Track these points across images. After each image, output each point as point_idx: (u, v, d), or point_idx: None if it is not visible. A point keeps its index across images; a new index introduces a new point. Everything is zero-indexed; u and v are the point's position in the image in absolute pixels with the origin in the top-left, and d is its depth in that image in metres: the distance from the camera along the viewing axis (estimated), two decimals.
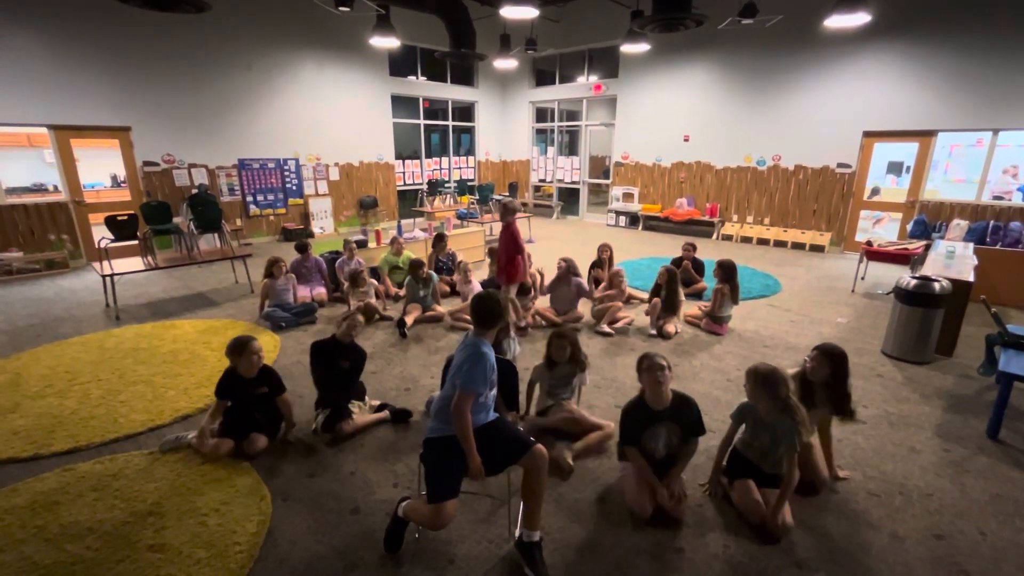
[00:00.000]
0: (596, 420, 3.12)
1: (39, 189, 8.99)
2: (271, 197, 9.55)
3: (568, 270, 5.15)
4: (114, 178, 9.99)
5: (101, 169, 9.69)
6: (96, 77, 7.38)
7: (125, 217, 6.75)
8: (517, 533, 2.27)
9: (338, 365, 3.27)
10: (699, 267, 6.24)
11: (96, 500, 2.62)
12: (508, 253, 4.61)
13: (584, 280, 5.28)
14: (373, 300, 5.42)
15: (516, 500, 2.34)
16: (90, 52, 7.28)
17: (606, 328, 4.92)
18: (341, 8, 6.98)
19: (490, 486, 2.67)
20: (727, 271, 4.92)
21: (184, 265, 5.75)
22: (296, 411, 3.38)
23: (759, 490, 2.48)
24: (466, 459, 2.18)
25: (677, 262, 6.16)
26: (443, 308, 5.39)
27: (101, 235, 6.53)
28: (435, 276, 5.50)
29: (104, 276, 5.35)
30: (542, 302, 5.39)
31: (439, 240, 6.64)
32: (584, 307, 5.39)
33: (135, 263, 5.76)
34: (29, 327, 5.09)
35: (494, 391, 2.35)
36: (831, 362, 2.65)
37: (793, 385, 2.47)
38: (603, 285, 5.51)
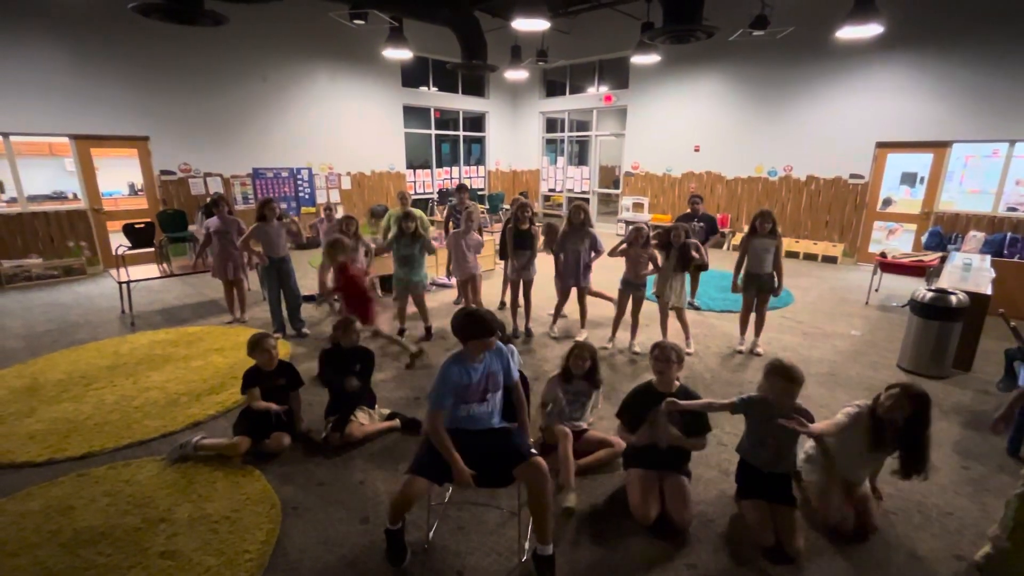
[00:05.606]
0: (604, 436, 3.07)
1: (59, 197, 9.15)
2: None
3: (584, 222, 4.70)
4: (132, 187, 10.15)
5: (119, 178, 9.85)
6: (116, 88, 7.55)
7: (142, 225, 6.89)
8: (528, 546, 2.25)
9: (350, 370, 3.29)
10: (711, 225, 5.95)
11: (109, 505, 2.64)
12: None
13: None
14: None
15: (526, 512, 2.32)
16: (111, 63, 7.46)
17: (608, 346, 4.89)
18: (356, 21, 7.10)
19: (499, 498, 2.66)
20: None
21: (198, 272, 5.82)
22: (307, 418, 3.41)
23: (770, 507, 2.44)
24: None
25: (686, 218, 5.77)
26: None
27: (118, 242, 6.65)
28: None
29: (120, 283, 5.43)
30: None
31: (461, 191, 5.81)
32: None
33: (151, 270, 5.86)
34: (47, 332, 5.18)
35: (485, 405, 2.35)
36: (912, 404, 2.27)
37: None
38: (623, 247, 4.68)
